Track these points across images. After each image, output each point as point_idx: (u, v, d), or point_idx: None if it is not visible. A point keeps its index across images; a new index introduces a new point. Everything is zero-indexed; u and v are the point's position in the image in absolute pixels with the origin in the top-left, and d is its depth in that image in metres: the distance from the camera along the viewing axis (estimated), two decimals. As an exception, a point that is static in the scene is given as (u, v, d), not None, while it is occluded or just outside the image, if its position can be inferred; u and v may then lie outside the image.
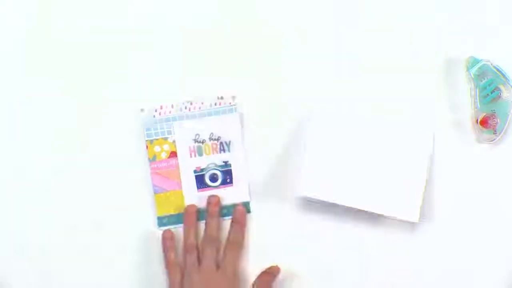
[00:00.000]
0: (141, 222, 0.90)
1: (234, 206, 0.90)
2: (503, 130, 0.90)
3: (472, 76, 0.90)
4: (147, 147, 0.90)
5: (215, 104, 0.91)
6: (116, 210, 0.90)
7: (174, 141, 0.90)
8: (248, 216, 0.90)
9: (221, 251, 0.88)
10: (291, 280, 0.89)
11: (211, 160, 0.90)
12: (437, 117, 0.91)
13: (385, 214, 0.87)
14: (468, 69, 0.90)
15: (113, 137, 0.91)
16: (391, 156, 0.88)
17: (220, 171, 0.90)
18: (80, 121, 0.91)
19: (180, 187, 0.90)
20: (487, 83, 0.90)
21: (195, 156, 0.90)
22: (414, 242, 0.89)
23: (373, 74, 0.91)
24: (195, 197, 0.90)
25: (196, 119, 0.91)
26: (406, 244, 0.90)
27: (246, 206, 0.90)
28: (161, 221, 0.90)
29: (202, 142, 0.90)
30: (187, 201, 0.90)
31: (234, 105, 0.91)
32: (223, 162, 0.90)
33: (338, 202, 0.87)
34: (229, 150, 0.90)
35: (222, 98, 0.91)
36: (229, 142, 0.90)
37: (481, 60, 0.90)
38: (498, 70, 0.89)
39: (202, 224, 0.90)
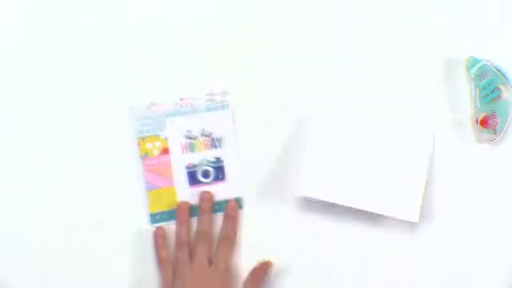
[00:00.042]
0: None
1: (226, 202, 0.90)
2: (503, 130, 0.90)
3: (472, 76, 0.90)
4: (139, 144, 0.90)
5: (207, 101, 0.90)
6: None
7: (166, 138, 0.91)
8: (249, 215, 0.90)
9: (214, 247, 0.88)
10: (291, 280, 0.89)
11: (203, 156, 0.90)
12: (437, 117, 0.91)
13: (385, 214, 0.87)
14: (468, 69, 0.90)
15: (110, 136, 0.91)
16: (391, 156, 0.88)
17: (212, 167, 0.90)
18: (81, 121, 0.91)
19: (173, 184, 0.90)
20: (487, 83, 0.90)
21: (187, 152, 0.90)
22: (414, 242, 0.89)
23: (373, 74, 0.91)
24: (187, 194, 0.90)
25: (188, 115, 0.91)
26: (406, 244, 0.90)
27: (238, 202, 0.90)
28: (154, 218, 0.90)
29: (194, 139, 0.90)
30: (180, 198, 0.90)
31: (226, 101, 0.90)
32: (215, 158, 0.90)
33: (338, 202, 0.87)
34: (221, 146, 0.90)
35: (214, 94, 0.91)
36: (221, 138, 0.90)
37: (481, 60, 0.90)
38: (498, 70, 0.89)
39: (194, 220, 0.89)
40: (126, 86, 0.92)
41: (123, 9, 0.93)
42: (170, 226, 0.90)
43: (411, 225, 0.89)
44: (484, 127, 0.90)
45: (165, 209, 0.90)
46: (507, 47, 0.92)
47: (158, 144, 0.90)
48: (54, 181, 0.90)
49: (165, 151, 0.90)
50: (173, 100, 0.91)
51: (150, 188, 0.90)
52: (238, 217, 0.90)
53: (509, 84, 0.90)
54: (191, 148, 0.90)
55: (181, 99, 0.91)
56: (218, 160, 0.90)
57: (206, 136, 0.90)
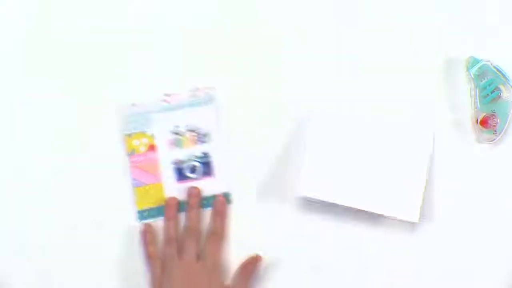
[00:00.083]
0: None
1: (214, 197, 0.90)
2: (503, 130, 0.90)
3: (472, 76, 0.90)
4: (125, 141, 0.90)
5: (192, 96, 0.90)
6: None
7: (152, 135, 0.90)
8: (249, 215, 0.90)
9: (202, 242, 0.88)
10: (291, 280, 0.89)
11: (190, 151, 0.90)
12: (437, 117, 0.91)
13: (385, 214, 0.87)
14: (468, 69, 0.90)
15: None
16: (391, 156, 0.88)
17: (199, 162, 0.90)
18: (81, 121, 0.91)
19: (160, 180, 0.90)
20: (487, 83, 0.90)
21: (174, 148, 0.90)
22: (414, 242, 0.89)
23: (373, 74, 0.91)
24: (175, 190, 0.90)
25: (174, 111, 0.91)
26: (406, 244, 0.89)
27: (226, 197, 0.90)
28: (142, 215, 0.90)
29: (181, 134, 0.90)
30: (167, 194, 0.90)
31: (210, 96, 0.90)
32: (203, 153, 0.90)
33: (338, 202, 0.87)
34: (207, 142, 0.90)
35: (198, 89, 0.91)
36: (207, 133, 0.90)
37: (481, 60, 0.90)
38: (498, 70, 0.89)
39: (183, 216, 0.89)
40: (126, 86, 0.92)
41: (123, 9, 0.93)
42: (159, 222, 0.90)
43: (411, 225, 0.89)
44: (484, 127, 0.90)
45: (153, 206, 0.90)
46: (507, 47, 0.92)
47: (144, 140, 0.90)
48: (53, 180, 0.90)
49: (152, 147, 0.90)
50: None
51: (137, 185, 0.90)
52: (227, 212, 0.90)
53: (509, 84, 0.90)
54: (178, 144, 0.90)
55: (166, 95, 0.91)
56: (205, 155, 0.90)
57: (193, 131, 0.90)
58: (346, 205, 0.87)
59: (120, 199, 0.90)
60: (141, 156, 0.90)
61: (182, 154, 0.90)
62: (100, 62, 0.92)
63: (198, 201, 0.89)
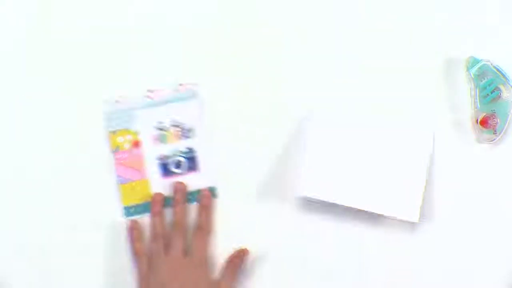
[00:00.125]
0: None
1: (200, 192, 0.90)
2: (503, 130, 0.90)
3: (472, 76, 0.90)
4: (109, 138, 0.90)
5: (175, 91, 0.90)
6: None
7: (136, 131, 0.90)
8: (249, 215, 0.90)
9: (189, 237, 0.88)
10: (291, 280, 0.89)
11: (175, 147, 0.91)
12: (437, 117, 0.91)
13: (385, 214, 0.87)
14: (468, 69, 0.90)
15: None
16: (391, 156, 0.88)
17: (184, 157, 0.90)
18: (81, 121, 0.91)
19: (145, 176, 0.90)
20: (487, 83, 0.90)
21: (158, 144, 0.90)
22: (414, 242, 0.89)
23: (373, 74, 0.91)
24: (161, 185, 0.90)
25: (157, 107, 0.91)
26: (406, 244, 0.89)
27: (212, 191, 0.90)
28: (128, 211, 0.90)
29: (165, 130, 0.90)
30: (153, 190, 0.90)
31: (194, 91, 0.90)
32: (187, 148, 0.90)
33: (338, 202, 0.87)
34: (192, 137, 0.90)
35: (181, 85, 0.91)
36: (191, 128, 0.90)
37: (481, 60, 0.90)
38: (498, 70, 0.89)
39: (169, 212, 0.89)
40: (126, 86, 0.91)
41: (123, 9, 0.93)
42: (145, 219, 0.90)
43: (411, 225, 0.89)
44: (484, 127, 0.90)
45: (139, 202, 0.90)
46: (507, 47, 0.92)
47: (129, 137, 0.90)
48: (56, 181, 0.90)
49: (136, 144, 0.90)
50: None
51: (123, 181, 0.90)
52: (212, 206, 0.90)
53: (509, 84, 0.90)
54: (162, 139, 0.91)
55: (149, 91, 0.91)
56: (190, 150, 0.90)
57: (177, 126, 0.90)
58: (346, 205, 0.87)
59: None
60: (126, 152, 0.90)
61: (166, 149, 0.90)
62: (99, 62, 0.92)
63: (183, 196, 0.89)
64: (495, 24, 0.92)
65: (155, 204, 0.89)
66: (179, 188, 0.90)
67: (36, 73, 0.92)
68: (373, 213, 0.87)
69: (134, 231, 0.89)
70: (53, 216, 0.90)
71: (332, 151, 0.88)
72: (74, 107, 0.91)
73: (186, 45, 0.92)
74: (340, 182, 0.87)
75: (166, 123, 0.90)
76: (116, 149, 0.90)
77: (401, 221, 0.88)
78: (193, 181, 0.90)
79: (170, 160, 0.90)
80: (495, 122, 0.89)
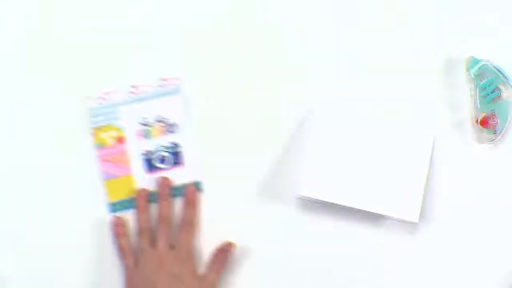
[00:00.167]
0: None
1: (185, 186, 0.90)
2: (503, 130, 0.90)
3: (472, 76, 0.90)
4: (93, 134, 0.90)
5: (159, 86, 0.91)
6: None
7: (121, 127, 0.91)
8: (249, 215, 0.90)
9: (175, 232, 0.89)
10: (291, 280, 0.89)
11: (159, 142, 0.91)
12: (437, 117, 0.91)
13: (385, 214, 0.87)
14: (468, 69, 0.90)
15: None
16: (391, 156, 0.88)
17: (169, 152, 0.90)
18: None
19: (130, 172, 0.90)
20: (487, 83, 0.90)
21: (142, 139, 0.90)
22: (414, 242, 0.89)
23: (373, 74, 0.91)
24: (145, 181, 0.90)
25: (141, 102, 0.91)
26: (406, 244, 0.89)
27: (197, 186, 0.90)
28: (114, 207, 0.90)
29: (149, 125, 0.90)
30: (138, 185, 0.90)
31: (176, 86, 0.90)
32: (172, 143, 0.90)
33: (338, 202, 0.87)
34: (176, 132, 0.90)
35: (165, 80, 0.91)
36: (175, 123, 0.90)
37: (481, 60, 0.90)
38: (498, 70, 0.89)
39: (155, 207, 0.90)
40: (125, 86, 0.91)
41: (123, 9, 0.93)
42: (131, 214, 0.90)
43: (411, 225, 0.89)
44: (484, 127, 0.90)
45: (124, 198, 0.90)
46: (507, 47, 0.92)
47: (113, 133, 0.90)
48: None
49: (121, 140, 0.90)
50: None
51: (108, 177, 0.90)
52: (198, 200, 0.90)
53: (509, 84, 0.90)
54: (146, 135, 0.91)
55: (133, 86, 0.91)
56: (175, 145, 0.90)
57: (161, 122, 0.90)
58: (346, 205, 0.87)
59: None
60: (110, 148, 0.90)
61: (151, 144, 0.91)
62: (99, 62, 0.92)
63: (168, 191, 0.90)
64: (495, 24, 0.92)
65: (140, 199, 0.89)
66: (164, 183, 0.90)
67: (36, 73, 0.92)
68: (373, 213, 0.87)
69: (118, 227, 0.89)
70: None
71: (332, 151, 0.87)
72: (73, 106, 0.91)
73: (185, 45, 0.92)
74: (340, 182, 0.87)
75: (150, 119, 0.90)
76: (100, 145, 0.90)
77: (401, 221, 0.88)
78: (178, 176, 0.90)
79: (154, 156, 0.90)
80: (495, 122, 0.89)
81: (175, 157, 0.90)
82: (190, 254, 0.88)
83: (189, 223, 0.89)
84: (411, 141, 0.88)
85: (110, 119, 0.90)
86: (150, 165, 0.90)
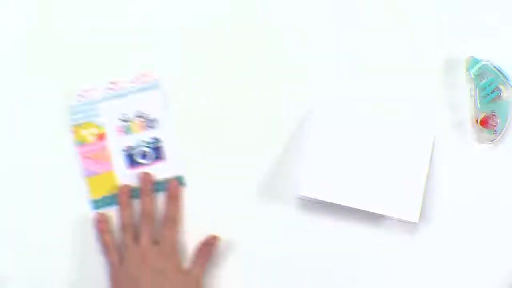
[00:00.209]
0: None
1: (167, 181, 0.90)
2: (503, 130, 0.90)
3: (472, 76, 0.90)
4: (73, 131, 0.90)
5: (137, 82, 0.91)
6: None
7: (101, 123, 0.90)
8: (249, 216, 0.90)
9: (158, 227, 0.89)
10: (291, 280, 0.89)
11: (140, 137, 0.91)
12: (437, 117, 0.91)
13: (385, 214, 0.87)
14: (468, 69, 0.90)
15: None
16: (391, 156, 0.88)
17: (150, 147, 0.90)
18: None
19: (112, 168, 0.90)
20: (487, 83, 0.90)
21: (123, 135, 0.91)
22: (414, 242, 0.89)
23: (373, 74, 0.91)
24: (127, 176, 0.90)
25: (120, 98, 0.91)
26: (406, 244, 0.89)
27: (179, 180, 0.90)
28: (96, 204, 0.90)
29: (129, 121, 0.90)
30: (120, 181, 0.90)
31: (155, 81, 0.90)
32: (153, 138, 0.90)
33: (338, 202, 0.87)
34: (156, 127, 0.90)
35: (143, 75, 0.91)
36: (155, 118, 0.90)
37: (481, 60, 0.90)
38: (498, 70, 0.89)
39: (138, 203, 0.90)
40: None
41: (123, 9, 0.93)
42: (115, 211, 0.90)
43: (411, 225, 0.89)
44: (484, 127, 0.90)
45: (106, 194, 0.90)
46: (507, 47, 0.92)
47: (93, 130, 0.90)
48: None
49: (101, 136, 0.91)
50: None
51: (89, 174, 0.90)
52: (181, 195, 0.90)
53: (509, 84, 0.90)
54: (127, 130, 0.91)
55: (111, 82, 0.91)
56: (156, 140, 0.90)
57: (141, 117, 0.90)
58: (346, 205, 0.87)
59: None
60: (91, 145, 0.90)
61: (132, 140, 0.91)
62: (99, 62, 0.92)
63: (151, 186, 0.90)
64: (495, 24, 0.92)
65: (122, 195, 0.89)
66: (146, 178, 0.90)
67: (36, 73, 0.92)
68: (373, 213, 0.87)
69: (101, 223, 0.89)
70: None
71: (332, 151, 0.87)
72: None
73: (185, 45, 0.92)
74: (340, 182, 0.87)
75: (130, 114, 0.91)
76: (81, 143, 0.90)
77: (401, 221, 0.88)
78: (160, 171, 0.90)
79: (135, 151, 0.90)
80: (495, 122, 0.89)
81: (156, 152, 0.90)
82: (174, 249, 0.88)
83: (172, 218, 0.89)
84: (411, 141, 0.88)
85: (90, 116, 0.90)
86: (132, 161, 0.90)
